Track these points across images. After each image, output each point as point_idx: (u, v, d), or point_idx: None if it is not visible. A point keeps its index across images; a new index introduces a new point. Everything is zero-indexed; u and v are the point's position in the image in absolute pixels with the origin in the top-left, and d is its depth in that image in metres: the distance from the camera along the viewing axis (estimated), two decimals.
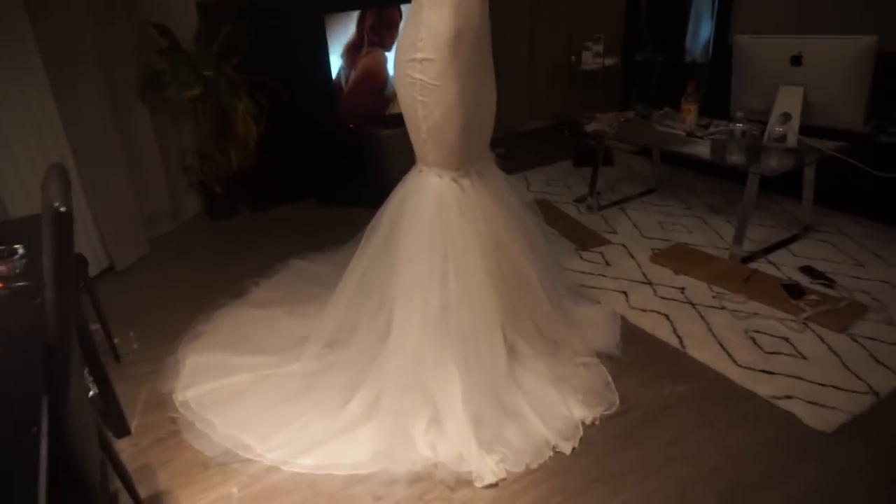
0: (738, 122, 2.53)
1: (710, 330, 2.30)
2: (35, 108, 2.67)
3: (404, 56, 1.83)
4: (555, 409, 1.95)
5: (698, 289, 2.58)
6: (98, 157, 2.96)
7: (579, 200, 3.52)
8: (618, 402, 2.00)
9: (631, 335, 2.33)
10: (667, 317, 2.40)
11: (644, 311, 2.46)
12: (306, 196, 3.82)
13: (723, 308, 2.43)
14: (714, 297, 2.51)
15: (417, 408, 1.92)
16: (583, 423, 1.91)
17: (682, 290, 2.58)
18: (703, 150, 2.68)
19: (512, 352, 2.10)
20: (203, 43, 3.36)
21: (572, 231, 3.17)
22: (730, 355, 2.15)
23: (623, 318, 2.42)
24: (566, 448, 1.83)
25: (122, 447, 1.98)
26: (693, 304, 2.47)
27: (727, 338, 2.24)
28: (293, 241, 3.24)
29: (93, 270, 3.04)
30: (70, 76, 2.76)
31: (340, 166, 3.86)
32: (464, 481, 1.75)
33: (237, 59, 3.42)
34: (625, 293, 2.59)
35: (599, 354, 2.20)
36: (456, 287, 1.94)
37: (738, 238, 2.71)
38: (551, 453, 1.82)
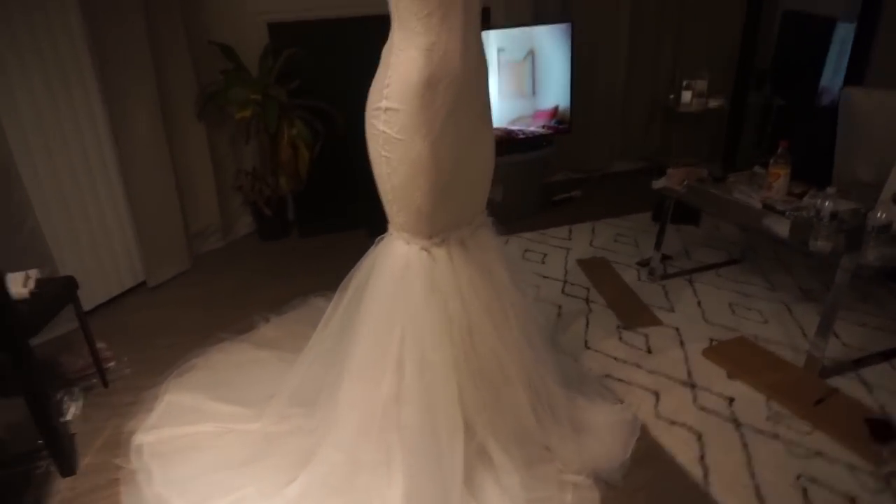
0: (828, 199, 1.98)
1: (750, 466, 1.79)
2: (83, 118, 2.74)
3: (371, 104, 1.58)
4: None
5: (752, 403, 2.06)
6: (145, 171, 3.00)
7: (642, 264, 3.05)
8: None
9: (645, 453, 1.88)
10: (699, 436, 1.92)
11: (672, 423, 1.99)
12: (358, 226, 3.68)
13: (776, 437, 1.90)
14: (769, 418, 1.98)
15: None
16: None
17: (731, 401, 2.07)
18: (781, 228, 2.15)
19: (483, 455, 1.76)
20: (266, 64, 3.34)
21: (620, 302, 2.73)
22: None
23: (643, 429, 1.98)
24: None
25: (59, 488, 1.90)
26: (738, 424, 1.96)
27: (769, 482, 1.73)
28: (329, 272, 3.07)
29: (126, 284, 3.10)
30: (122, 89, 2.81)
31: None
32: None
33: (297, 82, 3.36)
34: (657, 394, 2.13)
35: (597, 473, 1.79)
36: (411, 376, 1.64)
37: (821, 338, 2.13)
38: None
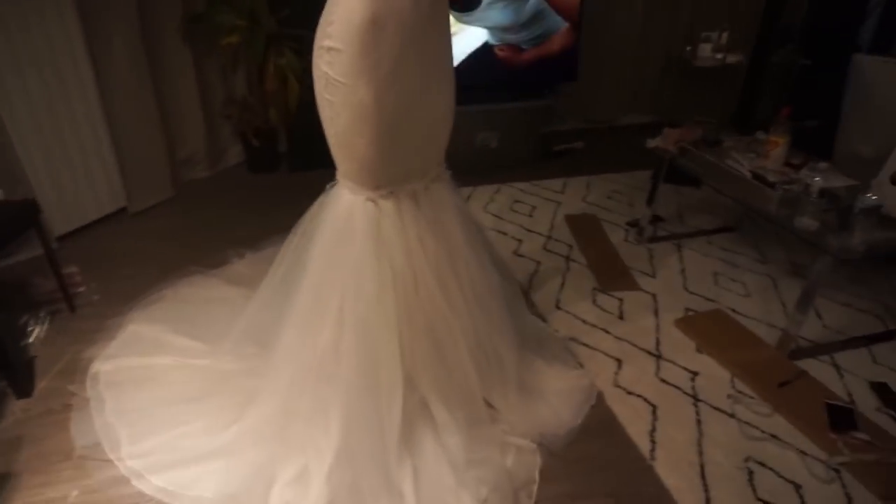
0: (819, 174, 1.85)
1: (700, 444, 1.75)
2: (56, 35, 2.63)
3: (316, 41, 1.46)
4: (441, 498, 1.58)
5: (716, 380, 2.00)
6: (125, 93, 2.91)
7: (632, 224, 2.94)
8: None
9: (596, 422, 1.85)
10: (653, 409, 1.88)
11: (629, 393, 1.94)
12: None
13: (732, 416, 1.85)
14: (730, 396, 1.92)
15: (279, 458, 1.64)
16: None
17: (694, 375, 2.01)
18: (767, 201, 2.02)
19: (425, 413, 1.73)
20: None
21: (601, 263, 2.64)
22: (706, 490, 1.61)
23: (599, 396, 1.93)
24: None
25: (14, 409, 1.93)
26: (696, 400, 1.91)
27: (715, 462, 1.69)
28: None
29: (106, 209, 3.07)
30: (100, 3, 2.69)
31: None
32: None
33: (288, 11, 3.19)
34: (619, 362, 2.07)
35: (543, 438, 1.76)
36: (351, 329, 1.59)
37: (798, 316, 2.04)
38: None
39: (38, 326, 2.28)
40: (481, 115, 3.40)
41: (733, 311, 2.33)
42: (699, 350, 2.12)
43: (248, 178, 3.62)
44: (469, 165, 3.46)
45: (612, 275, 2.56)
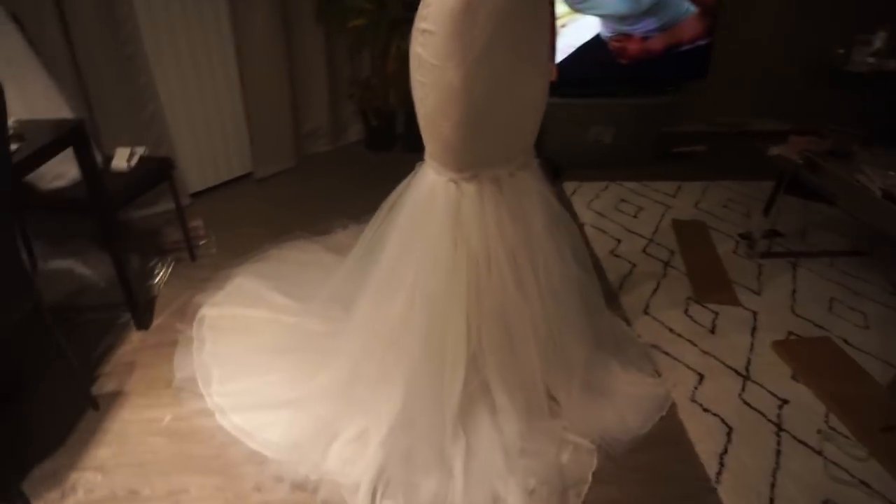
0: None
1: (774, 475, 1.62)
2: (206, 9, 2.91)
3: (415, 24, 1.51)
4: (488, 480, 1.60)
5: (808, 411, 1.83)
6: (261, 67, 3.16)
7: (745, 237, 2.74)
8: None
9: (663, 434, 1.77)
10: (729, 431, 1.76)
11: (706, 409, 1.84)
12: None
13: (819, 453, 1.69)
14: (821, 432, 1.75)
15: (343, 417, 1.74)
16: None
17: (784, 403, 1.86)
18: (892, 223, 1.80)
19: (487, 396, 1.76)
20: None
21: (701, 272, 2.49)
22: None
23: (672, 408, 1.85)
24: None
25: (132, 339, 2.20)
26: (780, 430, 1.76)
27: (787, 497, 1.56)
28: None
29: (235, 173, 3.36)
30: None
31: None
32: None
33: None
34: (701, 377, 1.96)
35: (603, 441, 1.72)
36: (421, 303, 1.65)
37: None
38: None
39: (163, 270, 2.58)
40: (596, 109, 3.31)
41: (845, 341, 2.11)
42: (794, 377, 1.95)
43: (365, 155, 3.80)
44: (579, 160, 3.42)
45: (711, 286, 2.41)
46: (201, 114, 3.07)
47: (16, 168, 1.60)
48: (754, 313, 2.26)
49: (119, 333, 2.22)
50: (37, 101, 2.13)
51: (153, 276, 2.53)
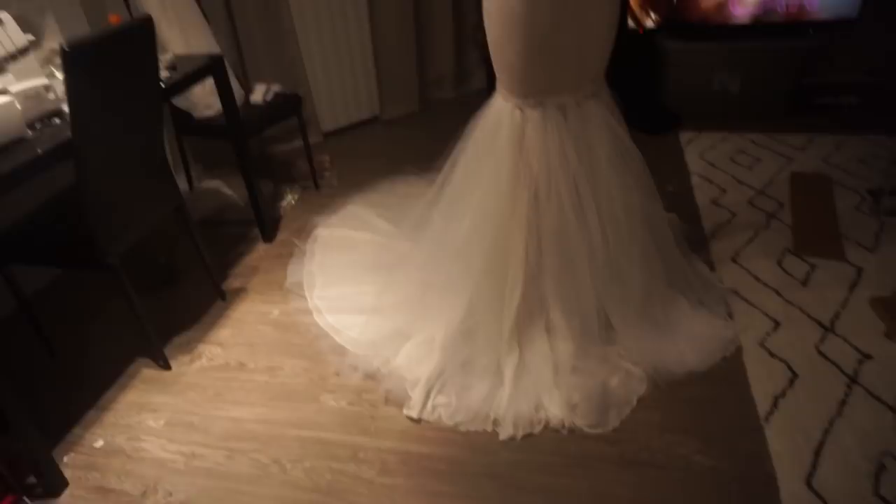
0: None
1: (830, 422, 1.57)
2: None
3: None
4: (535, 391, 1.73)
5: (891, 371, 1.71)
6: (391, 15, 3.40)
7: (875, 194, 2.49)
8: (608, 430, 1.63)
9: (719, 371, 1.77)
10: (793, 377, 1.71)
11: (773, 355, 1.79)
12: None
13: (891, 410, 1.59)
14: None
15: (416, 322, 1.95)
16: (547, 424, 1.66)
17: (865, 358, 1.75)
18: None
19: (543, 311, 1.86)
20: None
21: (810, 224, 2.33)
22: (814, 465, 1.47)
23: (738, 351, 1.83)
24: (504, 433, 1.64)
25: (259, 249, 2.59)
26: (853, 382, 1.67)
27: (842, 444, 1.51)
28: None
29: (363, 115, 3.67)
30: None
31: (617, 74, 3.47)
32: (399, 403, 1.77)
33: None
34: (776, 324, 1.90)
35: (656, 372, 1.77)
36: (485, 219, 1.79)
37: None
38: (489, 429, 1.67)
39: (291, 196, 2.95)
40: (721, 53, 3.12)
41: None
42: (888, 335, 1.82)
43: (485, 101, 3.92)
44: (701, 110, 3.27)
45: (816, 237, 2.26)
46: (335, 59, 3.39)
47: (168, 90, 1.97)
48: (859, 269, 2.10)
49: (249, 244, 2.62)
50: (193, 38, 2.54)
51: (283, 199, 2.91)
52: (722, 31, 3.12)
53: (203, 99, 2.51)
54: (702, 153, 2.98)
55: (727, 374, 1.77)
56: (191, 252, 2.20)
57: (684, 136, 3.14)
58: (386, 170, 3.00)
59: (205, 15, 2.69)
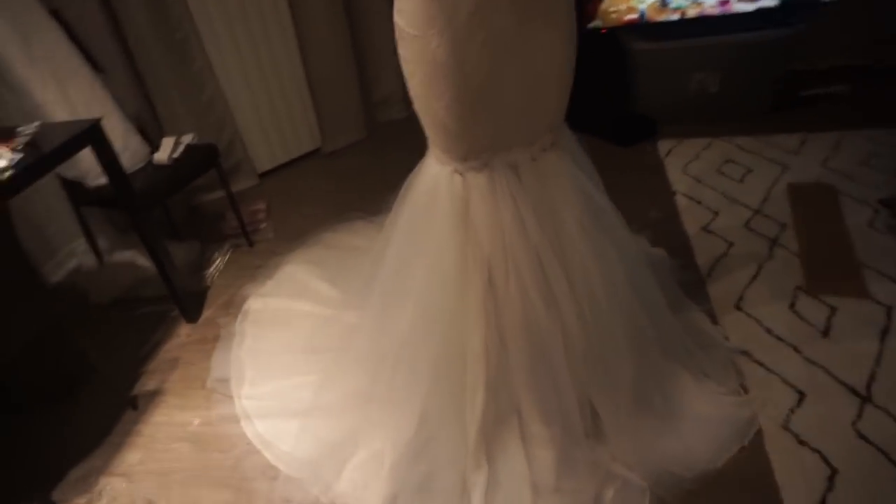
0: None
1: None
2: None
3: None
4: None
5: None
6: (323, 39, 3.00)
7: (887, 203, 2.16)
8: None
9: (740, 471, 1.42)
10: (832, 473, 1.37)
11: (802, 442, 1.44)
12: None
13: None
14: None
15: (362, 434, 1.58)
16: None
17: None
18: None
19: (516, 418, 1.51)
20: None
21: (820, 253, 1.99)
22: None
23: (757, 437, 1.48)
24: None
25: (181, 333, 2.19)
26: None
27: None
28: None
29: (304, 148, 3.27)
30: None
31: (581, 81, 3.09)
32: None
33: None
34: (801, 395, 1.55)
35: (660, 477, 1.41)
36: (431, 317, 1.42)
37: None
38: None
39: (220, 258, 2.55)
40: (698, 51, 2.77)
41: None
42: None
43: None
44: (679, 114, 2.92)
45: (830, 271, 1.92)
46: (263, 91, 2.98)
47: (25, 174, 1.57)
48: (888, 309, 1.76)
49: (169, 327, 2.22)
50: (77, 96, 2.13)
51: (210, 265, 2.51)
52: (694, 25, 2.76)
53: (94, 166, 2.09)
54: (685, 167, 2.62)
55: (748, 472, 1.42)
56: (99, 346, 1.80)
57: (663, 146, 2.79)
58: (330, 213, 2.61)
59: (95, 65, 2.28)
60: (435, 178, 1.37)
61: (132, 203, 1.96)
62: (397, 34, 1.23)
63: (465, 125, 1.25)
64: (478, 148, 1.29)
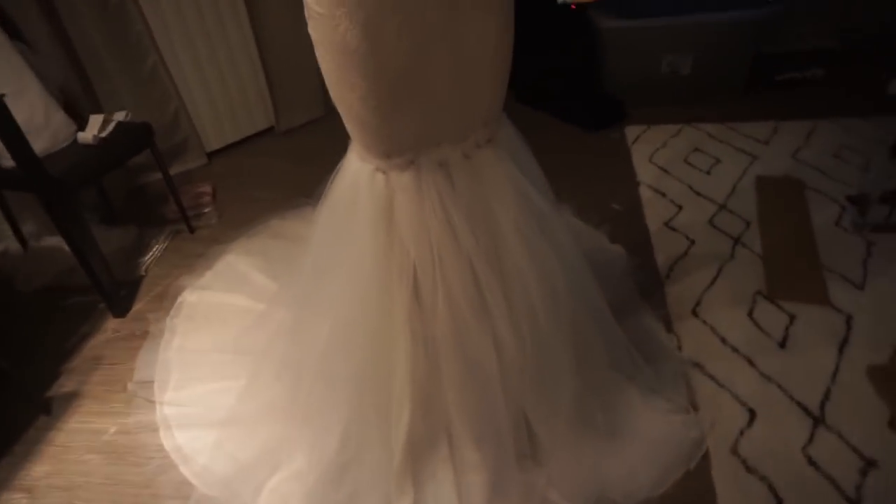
0: None
1: None
2: None
3: None
4: None
5: None
6: (277, 11, 2.80)
7: (855, 200, 2.06)
8: None
9: (682, 497, 1.33)
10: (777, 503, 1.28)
11: (750, 470, 1.35)
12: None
13: None
14: None
15: (283, 446, 1.47)
16: None
17: (869, 466, 1.32)
18: None
19: (445, 440, 1.40)
20: None
21: (782, 254, 1.90)
22: None
23: (704, 460, 1.39)
24: None
25: (107, 328, 2.05)
26: None
27: None
28: None
29: (258, 126, 3.09)
30: None
31: (548, 60, 2.94)
32: None
33: None
34: (752, 414, 1.46)
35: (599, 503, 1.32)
36: (350, 330, 1.29)
37: None
38: None
39: (158, 245, 2.39)
40: (669, 31, 2.62)
41: None
42: (893, 424, 1.40)
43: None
44: (649, 98, 2.78)
45: (791, 275, 1.82)
46: (211, 62, 2.77)
47: None
48: (848, 318, 1.67)
49: (96, 320, 2.07)
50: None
51: (146, 253, 2.35)
52: (666, 3, 2.61)
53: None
54: (651, 155, 2.49)
55: (690, 499, 1.33)
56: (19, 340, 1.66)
57: (631, 132, 2.65)
58: (282, 197, 2.44)
59: (15, 34, 2.08)
60: (355, 177, 1.22)
61: (42, 186, 1.79)
62: (307, 15, 1.07)
63: (385, 119, 1.10)
64: (401, 144, 1.14)
